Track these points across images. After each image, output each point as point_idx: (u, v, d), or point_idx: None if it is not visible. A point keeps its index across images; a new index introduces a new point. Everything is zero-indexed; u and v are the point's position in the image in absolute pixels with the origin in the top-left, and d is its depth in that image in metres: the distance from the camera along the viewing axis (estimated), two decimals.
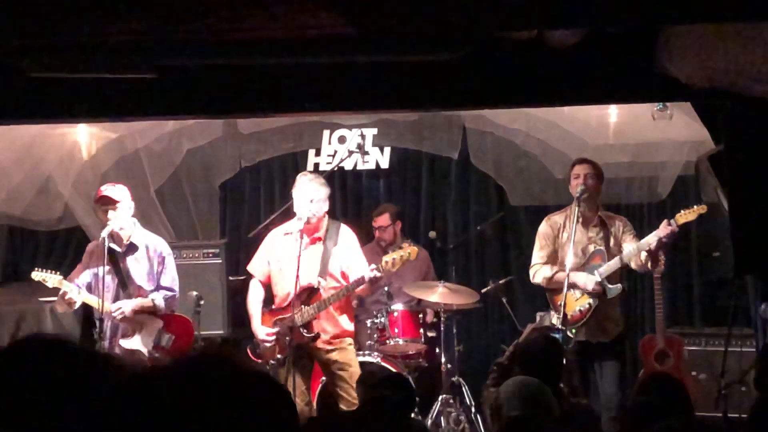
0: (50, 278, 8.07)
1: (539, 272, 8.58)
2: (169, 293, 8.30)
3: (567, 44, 6.64)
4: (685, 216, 8.16)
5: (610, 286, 8.32)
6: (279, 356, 8.05)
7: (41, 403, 1.84)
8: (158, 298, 8.22)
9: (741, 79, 6.14)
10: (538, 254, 8.64)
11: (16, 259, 10.97)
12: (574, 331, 8.19)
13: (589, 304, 8.30)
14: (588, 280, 8.28)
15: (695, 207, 8.20)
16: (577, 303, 8.31)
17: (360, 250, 8.33)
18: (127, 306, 8.10)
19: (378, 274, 7.88)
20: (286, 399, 1.91)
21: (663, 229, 8.10)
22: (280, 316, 8.09)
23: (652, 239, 8.14)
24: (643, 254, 8.24)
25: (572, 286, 8.24)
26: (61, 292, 8.03)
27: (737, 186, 6.96)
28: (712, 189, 8.03)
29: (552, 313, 8.54)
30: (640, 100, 8.25)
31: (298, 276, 7.86)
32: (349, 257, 8.17)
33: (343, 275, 8.14)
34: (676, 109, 9.20)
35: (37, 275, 8.12)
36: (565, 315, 8.22)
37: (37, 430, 1.83)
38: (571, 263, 8.18)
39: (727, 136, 6.95)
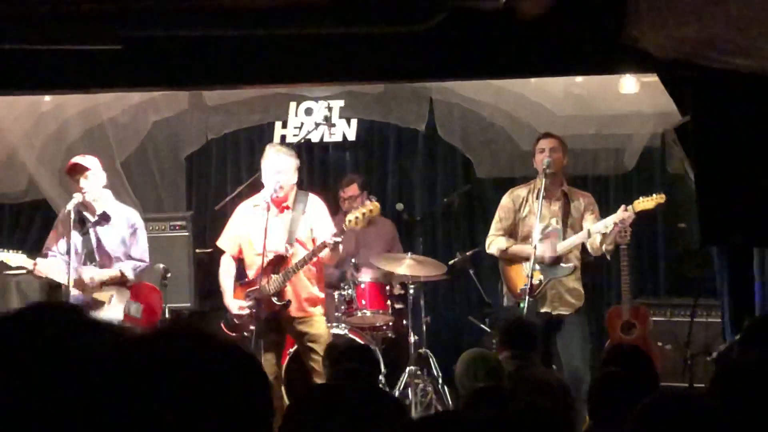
0: (13, 258, 8.06)
1: (494, 243, 8.66)
2: (140, 264, 8.28)
3: (534, 15, 6.64)
4: (643, 204, 8.22)
5: (562, 264, 8.38)
6: (252, 328, 8.02)
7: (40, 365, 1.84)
8: (127, 269, 8.19)
9: (708, 50, 6.17)
10: (496, 226, 8.71)
11: None
12: (522, 304, 8.18)
13: (540, 280, 8.34)
14: (546, 249, 8.30)
15: (654, 196, 8.25)
16: (527, 278, 8.33)
17: (329, 218, 8.29)
18: (97, 275, 8.08)
19: (338, 239, 7.84)
20: (258, 371, 1.90)
21: (619, 215, 8.16)
22: (252, 288, 8.05)
23: (608, 223, 8.20)
24: (598, 237, 8.29)
25: (528, 258, 8.28)
26: (29, 270, 8.03)
27: (703, 157, 6.99)
28: (679, 160, 8.06)
29: (505, 287, 8.63)
30: (608, 71, 8.28)
31: (264, 246, 7.84)
32: (317, 224, 8.14)
33: (313, 242, 8.11)
34: (643, 80, 9.23)
35: None
36: (517, 289, 8.32)
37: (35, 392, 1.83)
38: (538, 238, 8.22)
39: (693, 107, 6.98)
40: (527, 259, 8.30)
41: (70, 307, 2.03)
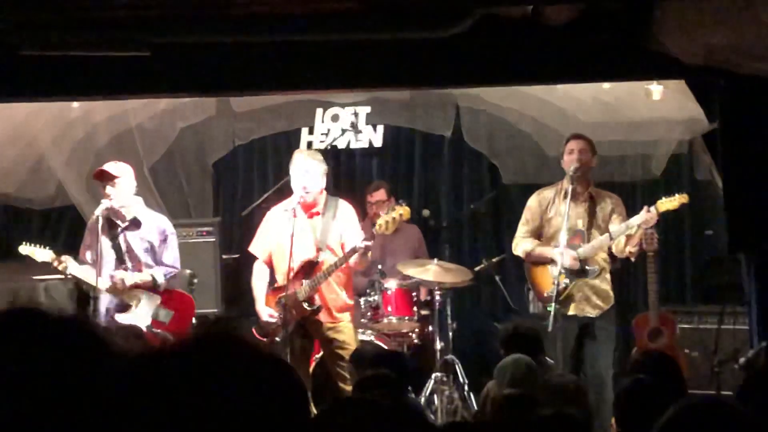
0: (38, 252, 8.04)
1: (520, 245, 8.63)
2: (171, 270, 8.29)
3: (562, 21, 6.63)
4: (667, 204, 8.16)
5: (587, 267, 8.35)
6: (284, 331, 8.01)
7: (39, 378, 1.81)
8: (158, 274, 8.20)
9: (736, 56, 6.15)
10: (523, 228, 8.69)
11: (9, 237, 10.93)
12: (550, 308, 8.14)
13: (566, 283, 8.30)
14: (566, 257, 8.27)
15: (677, 195, 8.19)
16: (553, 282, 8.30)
17: (358, 224, 8.31)
18: (127, 278, 8.09)
19: (369, 243, 7.84)
20: (296, 380, 1.89)
21: (642, 216, 8.12)
22: (283, 294, 8.05)
23: (631, 224, 8.17)
24: (623, 238, 8.26)
25: (551, 261, 8.28)
26: (58, 269, 8.04)
27: (731, 164, 6.98)
28: (706, 167, 8.05)
29: (531, 292, 8.62)
30: (635, 78, 8.25)
31: (291, 252, 7.85)
32: (347, 230, 8.14)
33: (343, 248, 8.11)
34: (670, 86, 9.19)
35: (24, 249, 8.09)
36: (544, 293, 8.30)
37: (35, 406, 1.80)
38: (565, 240, 8.20)
39: (721, 114, 6.96)
40: (551, 261, 8.29)
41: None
